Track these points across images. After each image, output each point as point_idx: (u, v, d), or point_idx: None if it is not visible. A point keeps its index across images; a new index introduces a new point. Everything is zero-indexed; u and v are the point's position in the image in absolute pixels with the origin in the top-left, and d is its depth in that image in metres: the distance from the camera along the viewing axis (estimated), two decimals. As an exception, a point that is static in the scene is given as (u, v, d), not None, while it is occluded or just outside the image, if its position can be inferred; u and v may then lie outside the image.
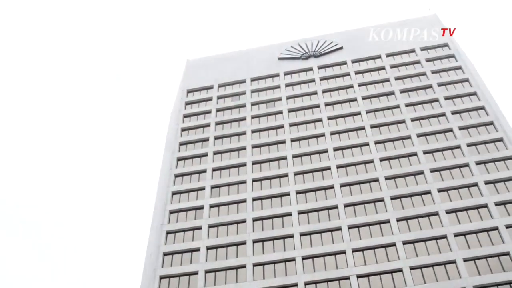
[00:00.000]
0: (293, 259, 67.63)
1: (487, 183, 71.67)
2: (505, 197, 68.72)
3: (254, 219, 73.87)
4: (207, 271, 68.40)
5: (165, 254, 71.80)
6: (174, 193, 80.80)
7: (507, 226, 65.53)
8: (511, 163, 73.63)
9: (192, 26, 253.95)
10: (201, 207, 77.39)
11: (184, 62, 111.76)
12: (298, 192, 76.40)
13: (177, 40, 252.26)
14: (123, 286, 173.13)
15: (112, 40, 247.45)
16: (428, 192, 72.21)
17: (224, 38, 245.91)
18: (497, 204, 68.55)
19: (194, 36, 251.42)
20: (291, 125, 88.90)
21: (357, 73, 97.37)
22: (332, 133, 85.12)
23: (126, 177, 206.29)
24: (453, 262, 63.08)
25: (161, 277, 68.87)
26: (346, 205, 72.84)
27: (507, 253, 62.55)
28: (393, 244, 66.55)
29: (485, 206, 68.75)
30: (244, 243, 71.03)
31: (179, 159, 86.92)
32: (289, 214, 73.54)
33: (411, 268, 63.30)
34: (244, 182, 79.97)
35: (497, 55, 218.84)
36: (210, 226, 74.20)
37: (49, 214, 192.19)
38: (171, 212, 77.79)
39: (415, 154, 78.22)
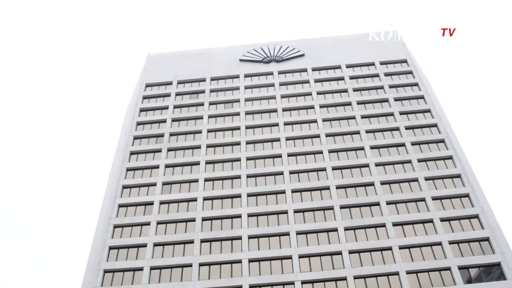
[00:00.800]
0: (239, 261, 67.55)
1: (434, 199, 73.22)
2: (450, 214, 70.37)
3: (204, 219, 73.54)
4: (152, 268, 67.68)
5: (111, 248, 70.67)
6: (124, 187, 79.70)
7: (450, 242, 67.03)
8: (458, 181, 75.47)
9: (156, 20, 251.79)
10: (151, 203, 76.57)
11: (145, 56, 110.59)
12: (249, 195, 76.41)
13: (139, 33, 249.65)
14: (66, 277, 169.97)
15: (75, 29, 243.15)
16: (377, 204, 73.28)
17: (187, 35, 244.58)
18: (442, 220, 70.10)
19: (157, 30, 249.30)
20: (247, 127, 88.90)
21: (316, 81, 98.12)
22: (287, 139, 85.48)
23: (76, 168, 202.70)
24: (396, 274, 64.17)
25: (105, 271, 67.79)
26: (296, 211, 73.22)
27: (448, 268, 64.01)
28: (339, 253, 67.25)
29: (430, 221, 70.22)
30: (191, 242, 70.61)
31: (132, 153, 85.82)
32: (239, 216, 73.46)
33: (355, 277, 64.08)
34: (196, 181, 79.53)
35: (452, 75, 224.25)
36: (158, 223, 73.48)
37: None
38: (120, 206, 76.72)
39: (367, 166, 79.27)
